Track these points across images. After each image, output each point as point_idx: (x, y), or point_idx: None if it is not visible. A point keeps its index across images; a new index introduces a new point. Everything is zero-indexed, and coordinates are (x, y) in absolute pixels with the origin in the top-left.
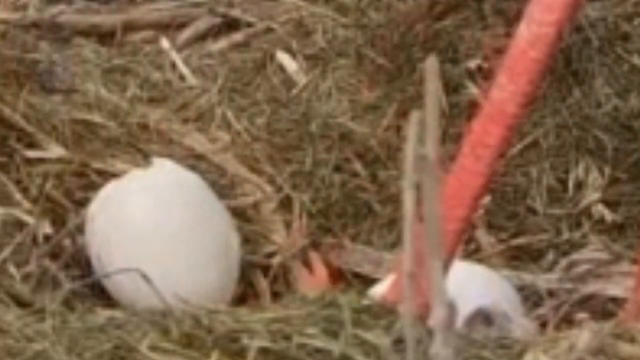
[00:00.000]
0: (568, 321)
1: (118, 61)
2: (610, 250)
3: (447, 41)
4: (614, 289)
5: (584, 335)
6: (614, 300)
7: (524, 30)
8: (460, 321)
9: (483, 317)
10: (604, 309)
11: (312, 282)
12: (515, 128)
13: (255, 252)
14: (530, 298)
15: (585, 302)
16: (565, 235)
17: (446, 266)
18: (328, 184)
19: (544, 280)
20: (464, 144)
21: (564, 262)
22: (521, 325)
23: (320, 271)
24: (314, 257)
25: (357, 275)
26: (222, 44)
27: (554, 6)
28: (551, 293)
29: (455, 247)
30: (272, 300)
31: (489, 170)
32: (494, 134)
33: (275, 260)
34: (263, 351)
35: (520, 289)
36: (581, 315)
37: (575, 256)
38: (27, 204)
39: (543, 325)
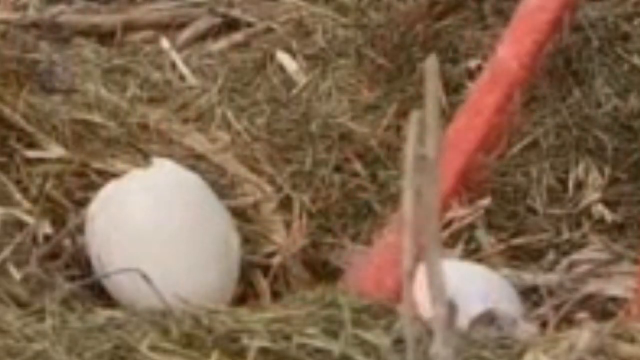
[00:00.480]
0: (568, 321)
1: (118, 61)
2: (611, 250)
3: (447, 41)
4: (615, 289)
5: (584, 335)
6: (614, 300)
7: None
8: (466, 320)
9: (490, 318)
10: (604, 308)
11: None
12: (518, 88)
13: (255, 252)
14: (530, 298)
15: (586, 301)
16: (565, 235)
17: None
18: (328, 184)
19: (544, 280)
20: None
21: (564, 262)
22: (525, 331)
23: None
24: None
25: None
26: (222, 44)
27: None
28: (551, 292)
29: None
30: (272, 300)
31: (487, 126)
32: (495, 92)
33: (275, 260)
34: (263, 351)
35: (520, 288)
36: (581, 315)
37: (575, 256)
38: (27, 204)
39: (543, 325)
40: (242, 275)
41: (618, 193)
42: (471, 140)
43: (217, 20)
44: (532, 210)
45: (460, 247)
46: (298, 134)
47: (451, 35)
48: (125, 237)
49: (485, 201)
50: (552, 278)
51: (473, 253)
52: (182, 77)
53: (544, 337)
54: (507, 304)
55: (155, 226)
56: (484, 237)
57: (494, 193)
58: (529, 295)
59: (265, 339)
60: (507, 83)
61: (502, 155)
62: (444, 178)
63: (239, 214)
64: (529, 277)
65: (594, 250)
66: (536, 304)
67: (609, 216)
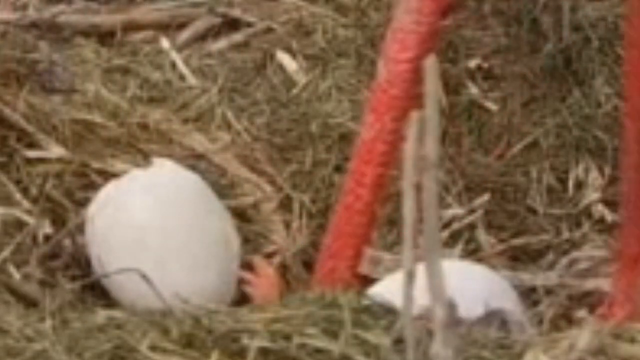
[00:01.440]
0: (567, 318)
1: (118, 61)
2: (610, 248)
3: (447, 41)
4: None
5: (584, 335)
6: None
7: (382, 69)
8: (474, 318)
9: (500, 319)
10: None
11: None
12: (389, 165)
13: (255, 252)
14: (530, 296)
15: (584, 298)
16: (565, 235)
17: None
18: (328, 184)
19: (542, 279)
20: (345, 182)
21: (564, 260)
22: (526, 332)
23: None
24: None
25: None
26: (222, 44)
27: (408, 44)
28: (549, 291)
29: (345, 283)
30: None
31: (370, 208)
32: (368, 174)
33: (275, 260)
34: (263, 351)
35: (519, 289)
36: (581, 313)
37: (575, 254)
38: (27, 204)
39: (541, 322)
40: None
41: (618, 193)
42: None
43: (217, 20)
44: (532, 210)
45: (459, 247)
46: (298, 134)
47: (451, 35)
48: (125, 237)
49: (484, 198)
50: (551, 276)
51: (473, 253)
52: (182, 77)
53: (544, 337)
54: (507, 303)
55: (155, 226)
56: (484, 237)
57: (494, 193)
58: (529, 295)
59: (265, 339)
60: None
61: (502, 155)
62: None
63: (239, 214)
64: (528, 277)
65: (593, 248)
66: (535, 302)
67: (608, 216)
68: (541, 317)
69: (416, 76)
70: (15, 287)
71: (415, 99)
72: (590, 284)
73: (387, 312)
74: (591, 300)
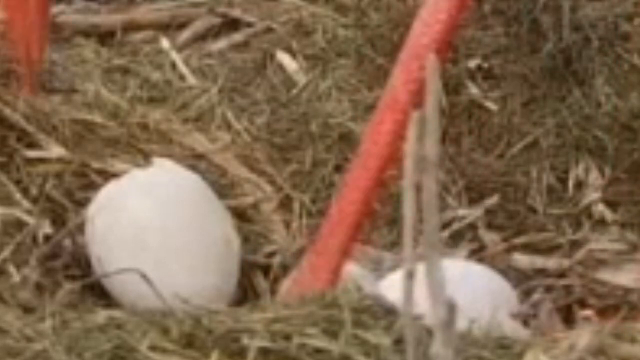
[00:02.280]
0: (580, 303)
1: (118, 61)
2: (626, 240)
3: None
4: (623, 278)
5: (584, 335)
6: (623, 289)
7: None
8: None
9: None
10: (612, 296)
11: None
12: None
13: (255, 252)
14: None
15: (594, 289)
16: (566, 235)
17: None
18: (328, 184)
19: (555, 263)
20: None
21: (581, 251)
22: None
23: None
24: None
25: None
26: (222, 44)
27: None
28: (562, 275)
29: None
30: (272, 301)
31: (388, 153)
32: (388, 121)
33: (275, 260)
34: (263, 351)
35: (530, 271)
36: (585, 312)
37: (591, 245)
38: (27, 204)
39: (558, 309)
40: (242, 275)
41: (618, 193)
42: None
43: (217, 20)
44: (532, 210)
45: (466, 248)
46: (298, 134)
47: None
48: (125, 237)
49: (492, 200)
50: (564, 262)
51: (474, 252)
52: (182, 77)
53: (544, 337)
54: (506, 303)
55: (155, 226)
56: (488, 236)
57: (493, 193)
58: (538, 277)
59: (265, 339)
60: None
61: (502, 155)
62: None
63: (239, 214)
64: (540, 260)
65: (609, 240)
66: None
67: (609, 216)
68: (552, 303)
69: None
70: (15, 287)
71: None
72: (600, 274)
73: (388, 311)
74: (600, 291)
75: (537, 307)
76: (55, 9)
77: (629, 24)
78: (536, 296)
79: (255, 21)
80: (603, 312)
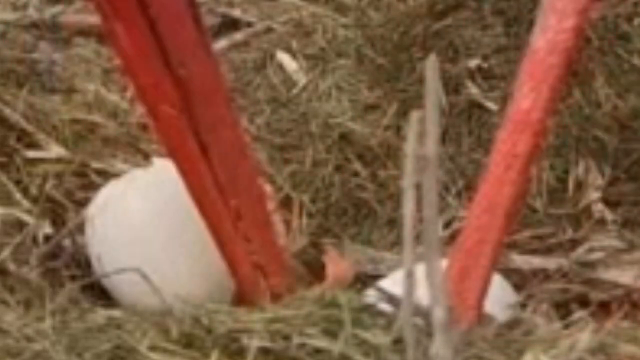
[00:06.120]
0: (579, 301)
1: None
2: (625, 239)
3: (447, 41)
4: (623, 277)
5: (584, 335)
6: (623, 287)
7: (538, 38)
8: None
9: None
10: (612, 295)
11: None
12: (543, 135)
13: None
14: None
15: (593, 287)
16: (566, 234)
17: (488, 273)
18: (328, 184)
19: (554, 263)
20: (493, 153)
21: (580, 249)
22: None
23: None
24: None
25: (357, 275)
26: (222, 44)
27: (568, 13)
28: (563, 275)
29: (493, 259)
30: (271, 301)
31: (522, 178)
32: (522, 143)
33: None
34: (263, 351)
35: (528, 272)
36: (580, 313)
37: (590, 243)
38: (27, 204)
39: (557, 306)
40: None
41: (618, 193)
42: None
43: (217, 20)
44: (532, 210)
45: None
46: (298, 134)
47: (451, 35)
48: (125, 237)
49: None
50: (562, 262)
51: None
52: None
53: (544, 337)
54: (505, 302)
55: (155, 226)
56: None
57: None
58: (538, 276)
59: (265, 339)
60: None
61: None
62: None
63: None
64: (540, 260)
65: (609, 238)
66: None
67: (609, 216)
68: (552, 301)
69: (576, 44)
70: (15, 287)
71: (570, 68)
72: (599, 273)
73: (390, 300)
74: (599, 289)
75: (535, 305)
76: (55, 9)
77: (629, 24)
78: (535, 295)
79: (255, 21)
80: (603, 311)
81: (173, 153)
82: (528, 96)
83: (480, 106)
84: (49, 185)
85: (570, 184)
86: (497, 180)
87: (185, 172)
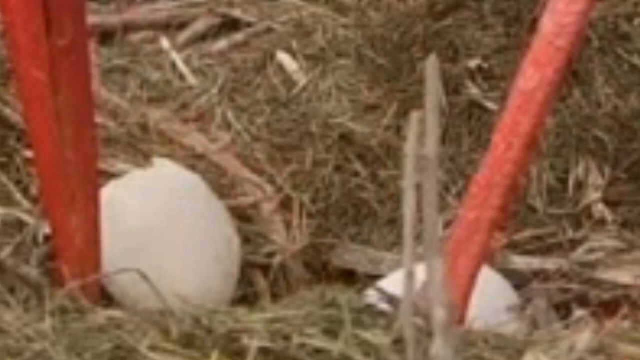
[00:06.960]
0: (579, 301)
1: (118, 61)
2: (625, 239)
3: (447, 41)
4: (623, 276)
5: (584, 335)
6: (623, 287)
7: (547, 22)
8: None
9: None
10: (612, 295)
11: None
12: (545, 116)
13: (255, 252)
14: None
15: (593, 287)
16: (566, 234)
17: (482, 254)
18: (328, 184)
19: (553, 264)
20: (494, 134)
21: (580, 249)
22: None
23: None
24: None
25: (357, 275)
26: (222, 44)
27: None
28: (563, 275)
29: (488, 236)
30: (271, 301)
31: (521, 157)
32: (524, 123)
33: (275, 260)
34: (263, 351)
35: (528, 273)
36: (580, 312)
37: (590, 243)
38: (27, 204)
39: (557, 306)
40: (242, 275)
41: (618, 193)
42: None
43: (217, 20)
44: (532, 210)
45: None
46: (298, 134)
47: (451, 35)
48: (125, 237)
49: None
50: (562, 263)
51: None
52: (182, 77)
53: (544, 337)
54: (505, 302)
55: (155, 226)
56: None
57: None
58: (537, 276)
59: (265, 339)
60: None
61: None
62: None
63: (239, 214)
64: (537, 261)
65: (608, 238)
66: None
67: (609, 216)
68: (552, 301)
69: (582, 29)
70: (15, 287)
71: (576, 52)
72: (599, 273)
73: (389, 301)
74: (600, 289)
75: (535, 304)
76: None
77: (629, 24)
78: (534, 294)
79: (255, 21)
80: (603, 311)
81: (30, 117)
82: (532, 78)
83: (480, 106)
84: None
85: (570, 184)
86: (497, 160)
87: (39, 138)
